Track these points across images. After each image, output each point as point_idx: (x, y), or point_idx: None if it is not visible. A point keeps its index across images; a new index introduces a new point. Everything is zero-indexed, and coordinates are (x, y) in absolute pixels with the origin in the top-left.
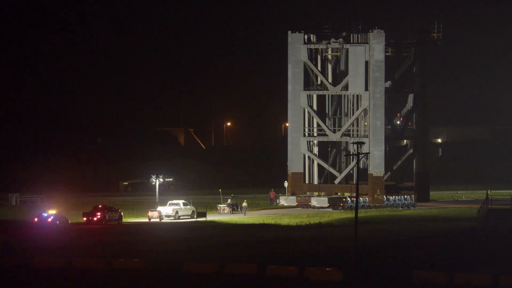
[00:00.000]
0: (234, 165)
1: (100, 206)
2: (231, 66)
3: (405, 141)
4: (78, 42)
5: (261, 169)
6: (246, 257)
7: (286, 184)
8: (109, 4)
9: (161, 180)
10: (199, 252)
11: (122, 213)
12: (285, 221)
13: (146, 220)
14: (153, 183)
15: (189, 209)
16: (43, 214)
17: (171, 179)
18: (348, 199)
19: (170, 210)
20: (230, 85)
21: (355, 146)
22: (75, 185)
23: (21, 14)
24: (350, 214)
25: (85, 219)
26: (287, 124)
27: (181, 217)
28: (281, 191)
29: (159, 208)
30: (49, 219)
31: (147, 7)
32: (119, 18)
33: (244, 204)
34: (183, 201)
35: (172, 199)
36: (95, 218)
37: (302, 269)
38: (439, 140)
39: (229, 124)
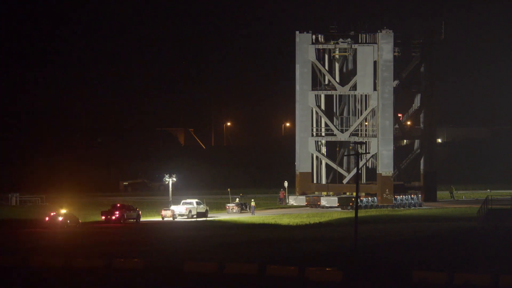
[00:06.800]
0: (234, 165)
1: (118, 204)
2: (232, 66)
3: (405, 141)
4: (78, 41)
5: (261, 169)
6: (246, 257)
7: (286, 184)
8: (109, 3)
9: (175, 179)
10: (200, 252)
11: (140, 212)
12: (285, 221)
13: (159, 219)
14: (166, 183)
15: (202, 208)
16: (54, 213)
17: None
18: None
19: (184, 209)
20: (231, 85)
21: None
22: (75, 185)
23: (22, 15)
24: (351, 214)
25: (103, 217)
26: (287, 124)
27: (194, 216)
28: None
29: (173, 207)
30: (60, 219)
31: (148, 6)
32: (120, 17)
33: (252, 203)
34: (196, 200)
35: (172, 199)
36: (113, 217)
37: (302, 269)
38: (439, 140)
39: (229, 124)
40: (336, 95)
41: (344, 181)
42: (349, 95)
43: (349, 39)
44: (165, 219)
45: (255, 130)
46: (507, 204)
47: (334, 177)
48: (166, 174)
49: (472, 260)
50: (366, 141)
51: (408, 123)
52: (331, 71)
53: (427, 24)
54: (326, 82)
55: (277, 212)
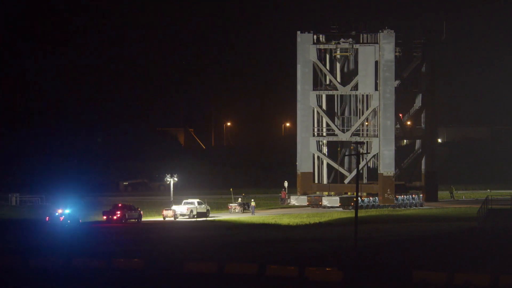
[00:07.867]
0: (234, 165)
1: (120, 204)
2: (233, 66)
3: (406, 140)
4: (77, 41)
5: (261, 169)
6: (246, 257)
7: (286, 184)
8: (109, 3)
9: (176, 179)
10: (200, 252)
11: (142, 212)
12: (285, 221)
13: (161, 219)
14: (168, 182)
15: (203, 208)
16: (54, 213)
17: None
18: (359, 198)
19: (185, 209)
20: (231, 85)
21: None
22: (75, 185)
23: (21, 14)
24: (351, 214)
25: (105, 217)
26: (287, 124)
27: (195, 216)
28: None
29: (174, 207)
30: (61, 218)
31: (148, 6)
32: (119, 17)
33: (252, 203)
34: (197, 200)
35: (173, 199)
36: (115, 217)
37: (302, 269)
38: (439, 140)
39: (229, 124)
40: (337, 95)
41: (346, 181)
42: (350, 95)
43: (350, 39)
44: (167, 219)
45: (255, 130)
46: (507, 204)
47: (336, 177)
48: (168, 174)
49: (472, 260)
50: (367, 141)
51: (409, 123)
52: (332, 71)
53: (428, 24)
54: (328, 82)
55: (278, 212)
